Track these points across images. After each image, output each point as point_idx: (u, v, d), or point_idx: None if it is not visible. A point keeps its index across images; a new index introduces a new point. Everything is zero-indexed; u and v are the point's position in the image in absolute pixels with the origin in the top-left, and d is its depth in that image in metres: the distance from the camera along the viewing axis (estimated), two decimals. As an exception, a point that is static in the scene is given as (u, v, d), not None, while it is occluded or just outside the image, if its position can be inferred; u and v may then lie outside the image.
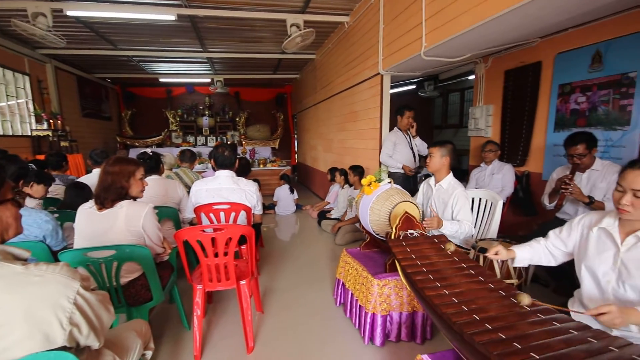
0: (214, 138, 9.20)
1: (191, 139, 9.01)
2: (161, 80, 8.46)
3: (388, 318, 2.01)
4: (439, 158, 2.29)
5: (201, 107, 9.53)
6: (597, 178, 2.39)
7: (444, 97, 8.40)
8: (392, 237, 1.69)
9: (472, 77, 6.27)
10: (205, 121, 9.23)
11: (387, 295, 1.97)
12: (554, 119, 3.20)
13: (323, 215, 4.87)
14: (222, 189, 2.39)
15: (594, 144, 2.38)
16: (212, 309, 2.52)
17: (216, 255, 1.84)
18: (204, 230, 1.86)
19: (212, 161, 2.46)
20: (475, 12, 2.29)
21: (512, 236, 3.02)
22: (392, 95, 4.02)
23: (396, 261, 1.46)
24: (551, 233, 1.55)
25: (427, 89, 7.51)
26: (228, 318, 2.38)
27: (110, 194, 1.70)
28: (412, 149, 3.77)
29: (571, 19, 2.62)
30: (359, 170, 4.24)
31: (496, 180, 3.44)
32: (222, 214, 2.42)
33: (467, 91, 7.62)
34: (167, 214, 2.56)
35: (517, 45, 3.44)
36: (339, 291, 2.50)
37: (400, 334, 2.03)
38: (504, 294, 1.19)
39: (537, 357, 0.84)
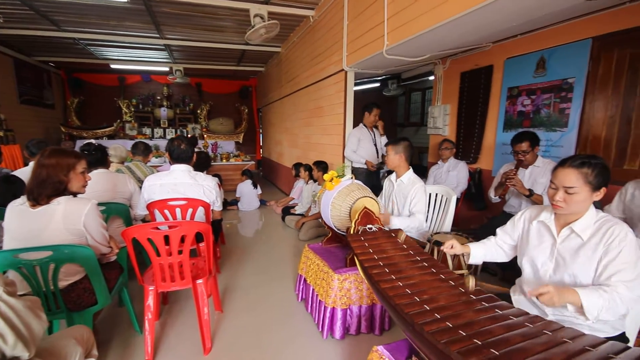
0: (173, 130, 8.74)
1: (147, 131, 8.47)
2: (113, 66, 7.84)
3: (348, 312, 2.04)
4: (394, 155, 2.38)
5: (159, 98, 8.99)
6: (538, 174, 2.61)
7: (407, 96, 8.68)
8: (352, 232, 1.71)
9: (432, 77, 6.55)
10: (163, 112, 8.73)
11: (347, 289, 2.00)
12: (503, 120, 3.42)
13: (287, 210, 4.83)
14: (177, 184, 2.27)
15: (537, 143, 2.59)
16: (167, 310, 2.39)
17: (170, 254, 1.75)
18: (158, 228, 1.75)
19: (167, 154, 2.32)
20: (434, 13, 2.37)
21: (465, 229, 3.21)
22: (356, 92, 4.07)
23: (354, 256, 1.47)
24: (499, 230, 1.65)
25: (391, 88, 7.70)
26: (185, 319, 2.28)
27: (45, 189, 1.54)
28: (375, 145, 3.85)
29: (520, 26, 2.81)
30: (322, 166, 4.25)
31: (452, 177, 3.63)
32: (178, 211, 2.30)
33: (428, 91, 7.93)
34: (116, 211, 2.38)
35: (472, 49, 3.63)
36: (301, 287, 2.50)
37: (360, 327, 2.08)
38: (453, 283, 1.25)
39: (480, 342, 0.89)
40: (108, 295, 1.77)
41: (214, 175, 5.56)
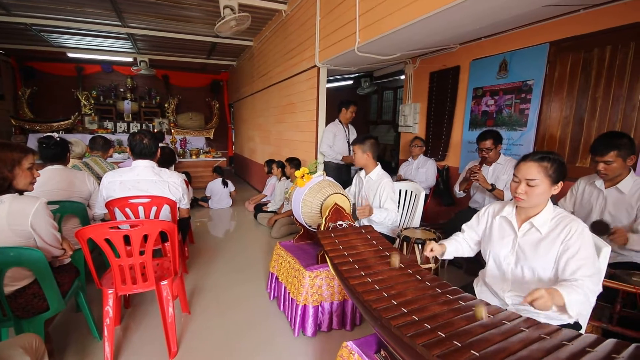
0: (138, 125, 8.30)
1: (109, 125, 7.98)
2: (70, 55, 7.29)
3: (320, 308, 2.04)
4: (361, 154, 2.41)
5: (122, 90, 8.48)
6: (500, 171, 2.74)
7: (379, 95, 8.82)
8: (322, 228, 1.71)
9: (403, 76, 6.70)
10: (126, 105, 8.26)
11: (318, 286, 2.00)
12: (469, 119, 3.56)
13: (259, 208, 4.75)
14: (140, 180, 2.14)
15: (500, 141, 2.72)
16: (130, 313, 2.27)
17: (132, 255, 1.65)
18: (118, 227, 1.64)
19: (128, 150, 2.19)
20: (403, 12, 2.41)
21: (434, 224, 3.32)
22: (329, 90, 4.07)
23: (325, 253, 1.47)
24: (465, 227, 1.71)
25: (364, 86, 7.78)
26: (149, 322, 2.17)
27: (-16, 187, 1.39)
28: (348, 142, 3.88)
29: (484, 29, 2.93)
30: (295, 163, 4.21)
31: (421, 174, 3.73)
32: (140, 209, 2.18)
33: (400, 90, 8.11)
34: (72, 210, 2.21)
35: (441, 50, 3.74)
36: (273, 285, 2.47)
37: (332, 323, 2.08)
38: (420, 278, 1.28)
39: (444, 335, 0.91)
40: (61, 300, 1.64)
41: (183, 173, 5.37)
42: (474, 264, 2.99)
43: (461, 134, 3.67)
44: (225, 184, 5.47)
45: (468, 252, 1.68)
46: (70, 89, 8.02)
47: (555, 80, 2.78)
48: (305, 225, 2.21)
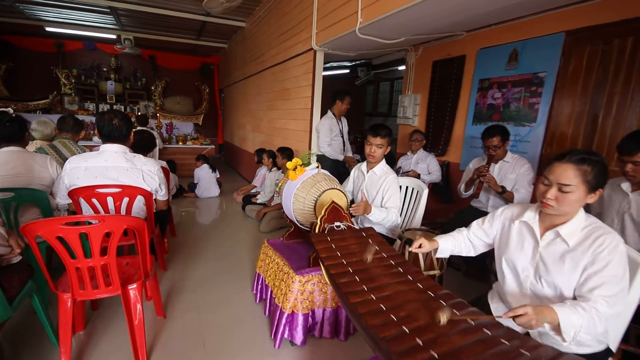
0: (123, 107, 7.87)
1: (91, 106, 7.54)
2: (48, 29, 6.78)
3: (310, 315, 1.83)
4: (385, 149, 2.15)
5: (105, 69, 7.99)
6: (508, 170, 2.55)
7: (376, 86, 8.57)
8: (317, 230, 1.48)
9: (402, 67, 6.45)
10: (110, 86, 7.79)
11: (309, 292, 1.79)
12: (473, 112, 3.36)
13: (248, 199, 4.51)
14: (109, 167, 1.88)
15: (507, 137, 2.52)
16: (98, 316, 2.03)
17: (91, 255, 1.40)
18: (82, 223, 1.39)
19: (96, 131, 1.92)
20: (413, -11, 2.16)
21: (433, 223, 3.14)
22: (325, 78, 3.79)
23: (320, 260, 1.25)
24: (474, 224, 1.53)
25: (360, 74, 7.51)
26: (119, 325, 1.93)
27: None
28: (342, 136, 3.64)
29: (495, 14, 2.70)
30: (287, 153, 3.97)
31: (421, 169, 3.53)
32: (110, 200, 1.92)
33: (397, 81, 7.88)
34: (31, 199, 1.94)
35: (446, 37, 3.50)
36: (259, 286, 2.25)
37: (323, 331, 1.88)
38: (432, 294, 1.08)
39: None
40: (7, 306, 1.39)
41: (167, 162, 5.06)
42: (474, 266, 2.83)
43: (464, 128, 3.47)
44: (213, 169, 5.20)
45: (468, 251, 1.50)
46: (50, 67, 7.51)
47: (570, 73, 2.58)
48: (297, 223, 1.98)
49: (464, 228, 1.56)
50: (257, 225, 3.88)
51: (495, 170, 2.59)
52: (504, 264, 1.35)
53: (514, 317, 1.01)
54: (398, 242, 2.01)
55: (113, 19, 6.25)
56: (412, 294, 1.08)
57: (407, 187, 2.54)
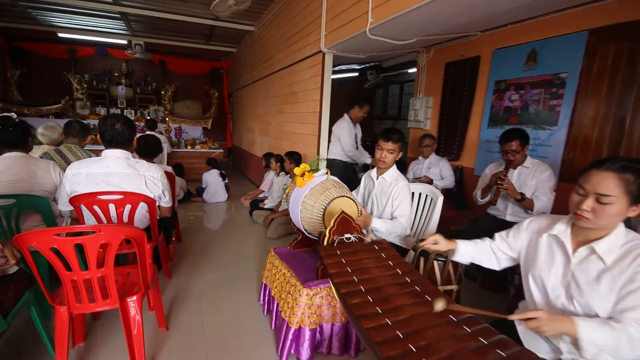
0: (133, 112, 7.94)
1: (102, 111, 7.62)
2: (60, 35, 6.89)
3: (318, 330, 1.73)
4: (397, 155, 2.05)
5: (116, 74, 8.09)
6: (527, 176, 2.41)
7: (385, 89, 8.45)
8: (325, 242, 1.38)
9: (412, 70, 6.34)
10: (121, 91, 7.87)
11: (317, 306, 1.68)
12: (488, 115, 3.22)
13: (256, 204, 4.44)
14: (110, 173, 1.82)
15: (527, 142, 2.38)
16: (98, 327, 1.96)
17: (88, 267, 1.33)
18: (80, 234, 1.32)
19: (99, 137, 1.87)
20: (427, -14, 2.06)
21: (446, 231, 3.00)
22: (334, 82, 3.71)
23: (329, 276, 1.15)
24: (497, 235, 1.41)
25: (369, 77, 7.41)
26: (120, 338, 1.84)
27: None
28: (357, 142, 3.54)
29: (512, 12, 2.58)
30: (295, 157, 3.88)
31: (433, 174, 3.40)
32: (112, 207, 1.86)
33: (406, 84, 7.76)
34: (32, 206, 1.89)
35: (459, 37, 3.38)
36: (266, 298, 2.15)
37: (332, 347, 1.77)
38: (454, 319, 0.97)
39: None
40: (1, 320, 1.33)
41: (175, 166, 5.03)
42: (492, 277, 2.68)
43: (478, 132, 3.34)
44: (222, 176, 5.15)
45: (491, 263, 1.39)
46: (62, 72, 7.64)
47: (594, 74, 2.44)
48: (305, 232, 1.89)
49: (486, 238, 1.45)
50: (265, 231, 3.80)
51: (514, 176, 2.45)
52: (531, 282, 1.23)
53: (525, 320, 0.96)
54: (411, 253, 1.90)
55: (124, 25, 6.31)
56: (431, 318, 0.97)
57: (419, 194, 2.41)
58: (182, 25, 6.04)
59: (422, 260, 1.70)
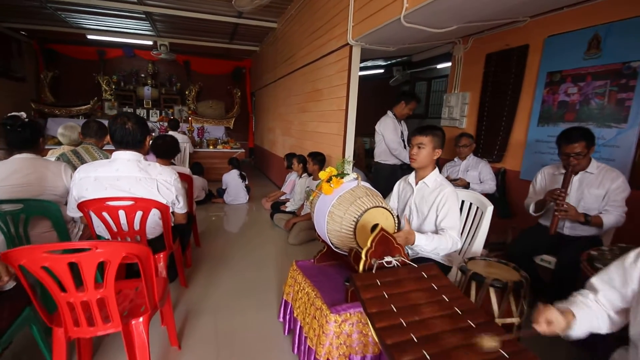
0: (158, 112, 8.02)
1: (129, 111, 7.74)
2: (90, 37, 7.04)
3: (346, 361, 1.49)
4: (431, 151, 1.76)
5: (143, 75, 8.20)
6: (592, 183, 2.04)
7: (411, 86, 8.05)
8: (361, 268, 1.13)
9: (441, 65, 5.95)
10: (146, 91, 7.97)
11: (347, 335, 1.44)
12: (538, 112, 2.84)
13: (277, 207, 4.25)
14: (120, 177, 1.66)
15: (593, 143, 2.01)
16: (107, 344, 1.82)
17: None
18: (76, 250, 1.15)
19: (108, 137, 1.72)
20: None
21: (489, 244, 2.66)
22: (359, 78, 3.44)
23: (368, 316, 0.90)
24: (598, 282, 1.05)
25: (395, 74, 7.06)
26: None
27: None
28: (403, 140, 3.25)
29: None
30: (319, 158, 3.65)
31: (471, 177, 3.06)
32: (122, 214, 1.70)
33: (434, 81, 7.33)
34: (41, 211, 1.77)
35: (504, 25, 3.02)
36: (287, 316, 1.93)
37: (362, 381, 1.53)
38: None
39: None
40: (-6, 342, 1.18)
41: (194, 165, 4.93)
42: (558, 299, 2.33)
43: (526, 131, 2.96)
44: (242, 177, 5.01)
45: (607, 327, 1.01)
46: (92, 74, 7.84)
47: (677, 61, 2.04)
48: (332, 246, 1.65)
49: (587, 292, 1.07)
50: (286, 236, 3.60)
51: (574, 183, 2.09)
52: None
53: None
54: (458, 273, 1.61)
55: (149, 25, 6.34)
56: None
57: (462, 202, 2.09)
58: (206, 24, 5.98)
59: (474, 284, 1.41)
